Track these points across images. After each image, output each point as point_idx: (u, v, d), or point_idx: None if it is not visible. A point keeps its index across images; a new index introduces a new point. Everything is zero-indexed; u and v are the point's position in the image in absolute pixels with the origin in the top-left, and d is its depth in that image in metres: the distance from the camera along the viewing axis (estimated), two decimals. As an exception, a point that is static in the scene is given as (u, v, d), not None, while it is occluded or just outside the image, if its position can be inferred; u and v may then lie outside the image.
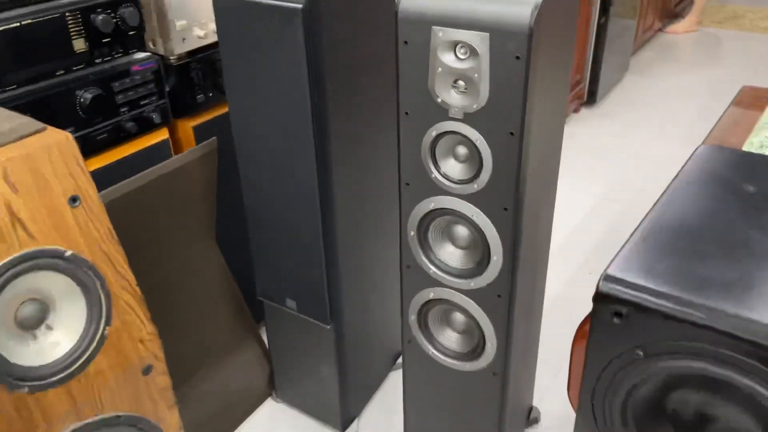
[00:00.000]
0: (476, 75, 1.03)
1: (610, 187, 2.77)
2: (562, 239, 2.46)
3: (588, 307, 2.20)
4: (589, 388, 0.58)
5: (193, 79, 1.53)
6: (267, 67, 1.25)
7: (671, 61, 4.02)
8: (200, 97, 1.55)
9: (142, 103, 1.44)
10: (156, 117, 1.47)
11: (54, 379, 1.00)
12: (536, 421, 1.72)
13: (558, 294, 2.18)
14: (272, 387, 1.81)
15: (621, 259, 0.56)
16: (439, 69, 1.06)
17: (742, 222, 0.58)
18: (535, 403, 1.77)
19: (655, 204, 0.61)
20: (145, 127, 1.46)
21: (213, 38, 1.53)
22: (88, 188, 1.03)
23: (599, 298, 0.54)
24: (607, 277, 0.55)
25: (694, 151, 0.69)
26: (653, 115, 3.36)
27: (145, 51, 1.45)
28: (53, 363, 1.00)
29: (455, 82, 1.07)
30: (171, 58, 1.48)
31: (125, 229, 1.13)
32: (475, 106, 1.06)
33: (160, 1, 1.41)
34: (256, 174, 1.40)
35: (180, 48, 1.47)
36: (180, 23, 1.44)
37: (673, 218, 0.60)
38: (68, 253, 1.00)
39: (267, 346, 1.85)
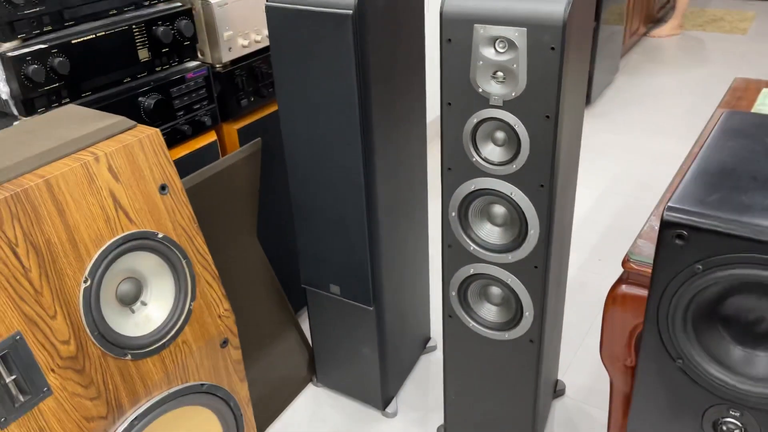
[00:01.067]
0: (515, 66, 1.17)
1: (612, 181, 2.92)
2: (572, 230, 2.60)
3: (602, 289, 2.33)
4: (655, 299, 0.71)
5: (237, 85, 1.65)
6: (317, 69, 1.38)
7: (658, 62, 4.21)
8: (244, 101, 1.68)
9: (195, 107, 1.56)
10: (207, 120, 1.59)
11: (151, 348, 1.11)
12: (562, 392, 1.84)
13: (572, 279, 2.32)
14: (312, 372, 1.92)
15: (677, 195, 0.69)
16: (480, 62, 1.20)
17: (770, 164, 0.72)
18: (560, 376, 1.90)
19: (697, 155, 0.74)
20: (198, 129, 1.59)
21: (255, 47, 1.66)
22: (174, 178, 1.15)
23: (664, 225, 0.67)
24: (669, 208, 0.68)
25: (718, 117, 0.82)
26: (646, 113, 3.54)
27: (196, 60, 1.58)
28: (149, 334, 1.12)
29: (494, 73, 1.20)
30: (218, 66, 1.61)
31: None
32: (513, 94, 1.20)
33: (209, 14, 1.54)
34: (303, 169, 1.53)
35: (226, 57, 1.60)
36: (227, 34, 1.57)
37: (712, 164, 0.74)
38: (160, 235, 1.12)
39: (305, 334, 1.97)
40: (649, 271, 1.23)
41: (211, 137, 1.64)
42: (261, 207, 1.79)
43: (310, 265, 1.67)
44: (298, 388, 1.92)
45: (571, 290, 2.26)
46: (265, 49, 1.71)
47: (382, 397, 1.78)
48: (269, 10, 1.37)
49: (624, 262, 1.26)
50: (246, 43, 1.63)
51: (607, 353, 1.35)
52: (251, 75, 1.69)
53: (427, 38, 1.63)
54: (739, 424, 0.72)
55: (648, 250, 1.25)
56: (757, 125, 0.80)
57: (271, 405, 1.86)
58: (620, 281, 1.30)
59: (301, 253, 1.67)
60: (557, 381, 1.85)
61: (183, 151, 1.58)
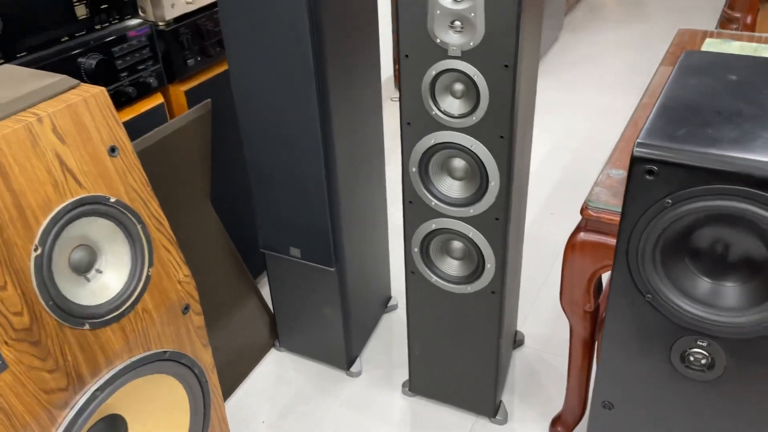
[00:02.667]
0: (473, 14, 1.15)
1: (560, 137, 2.96)
2: (523, 186, 2.64)
3: (555, 242, 2.38)
4: (625, 236, 0.72)
5: (182, 44, 1.58)
6: (267, 20, 1.33)
7: (601, 19, 4.27)
8: (190, 61, 1.61)
9: (139, 68, 1.49)
10: (153, 81, 1.52)
11: (110, 317, 1.07)
12: (521, 343, 1.88)
13: (526, 233, 2.35)
14: (275, 337, 1.91)
15: (645, 132, 0.70)
16: (438, 11, 1.18)
17: (733, 99, 0.73)
18: (518, 327, 1.94)
19: (660, 93, 0.75)
20: (143, 91, 1.52)
21: (200, 4, 1.59)
22: (123, 139, 1.09)
23: (634, 161, 0.67)
24: (638, 144, 0.68)
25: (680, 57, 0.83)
26: (591, 69, 3.59)
27: (138, 17, 1.50)
28: (107, 303, 1.07)
29: (452, 23, 1.18)
30: (161, 24, 1.53)
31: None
32: (471, 44, 1.18)
33: (150, -32, 1.46)
34: (257, 129, 1.49)
35: (169, 14, 1.53)
36: (172, -11, 1.50)
37: (677, 101, 0.74)
38: (112, 199, 1.07)
39: (266, 299, 1.94)
40: (608, 217, 1.25)
41: (157, 99, 1.58)
42: (214, 171, 1.74)
43: (269, 229, 1.64)
44: (261, 353, 1.90)
45: (526, 244, 2.29)
46: (211, 6, 1.64)
47: (346, 358, 1.79)
48: (215, -38, 1.31)
49: (582, 210, 1.28)
50: (190, -1, 1.56)
51: (567, 299, 1.38)
52: (197, 33, 1.62)
53: (378, -8, 1.60)
54: (706, 353, 0.75)
55: (605, 197, 1.27)
56: (715, 63, 0.81)
57: (234, 371, 1.84)
58: (578, 229, 1.32)
59: (258, 216, 1.63)
60: (516, 332, 1.89)
61: (129, 114, 1.51)
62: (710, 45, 1.94)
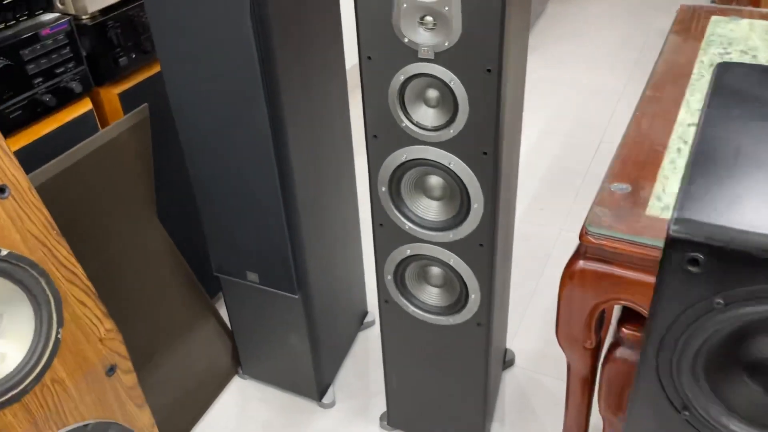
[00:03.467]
0: (446, 8, 0.94)
1: (549, 119, 2.76)
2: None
3: (546, 242, 2.17)
4: (655, 340, 0.53)
5: (111, 40, 1.35)
6: (202, 15, 1.10)
7: (588, -11, 4.02)
8: (123, 59, 1.38)
9: (57, 71, 1.26)
10: (76, 86, 1.30)
11: (6, 397, 0.87)
12: (512, 362, 1.71)
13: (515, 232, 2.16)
14: (237, 363, 1.71)
15: (683, 199, 0.50)
16: (404, 5, 0.96)
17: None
18: (508, 344, 1.76)
19: (696, 133, 0.55)
20: (65, 98, 1.29)
21: (129, -9, 1.36)
22: (17, 175, 0.88)
23: (671, 244, 0.48)
24: (676, 221, 0.49)
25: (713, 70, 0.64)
26: (579, 44, 3.36)
27: (53, 12, 1.26)
28: (4, 379, 0.87)
29: (422, 18, 0.97)
30: (84, 17, 1.30)
31: (58, 214, 0.99)
32: (446, 44, 0.97)
33: (64, -49, 1.22)
34: (200, 139, 1.27)
35: (93, 5, 1.29)
36: (90, -24, 1.26)
37: (720, 146, 0.55)
38: (3, 252, 0.86)
39: (226, 321, 1.75)
40: (612, 244, 1.06)
41: (84, 106, 1.35)
42: (160, 182, 1.53)
43: (221, 252, 1.44)
44: (222, 381, 1.71)
45: (514, 245, 2.10)
46: (144, -6, 1.40)
47: (317, 387, 1.60)
48: (134, -55, 1.08)
49: (581, 235, 1.09)
50: (117, -14, 1.32)
51: (564, 335, 1.20)
52: (129, 26, 1.39)
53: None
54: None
55: (608, 219, 1.08)
56: (761, 81, 0.62)
57: (194, 402, 1.65)
58: (577, 255, 1.13)
59: (209, 238, 1.43)
60: (506, 351, 1.71)
61: (49, 126, 1.29)
62: (716, 24, 1.74)
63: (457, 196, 1.13)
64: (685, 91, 1.43)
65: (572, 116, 2.77)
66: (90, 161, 1.31)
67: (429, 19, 0.96)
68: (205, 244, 1.61)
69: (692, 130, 1.28)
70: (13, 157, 0.87)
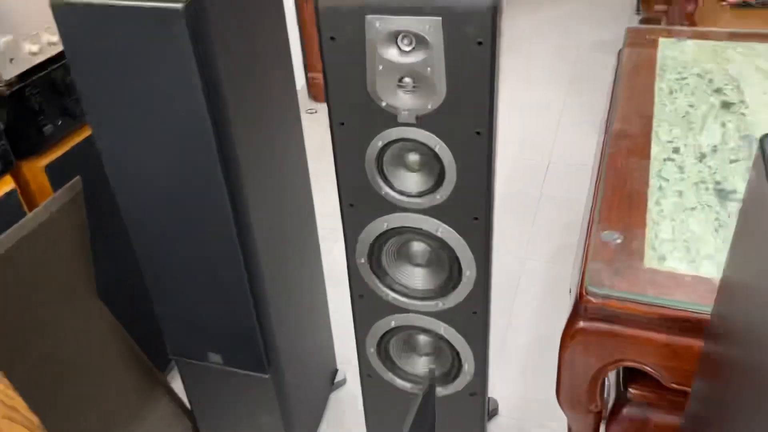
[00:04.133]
0: (429, 69, 0.85)
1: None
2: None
3: (511, 273, 2.09)
4: None
5: (33, 108, 1.19)
6: (142, 81, 0.97)
7: (513, 4, 4.05)
8: (47, 128, 1.22)
9: (-29, 152, 1.09)
10: (-5, 166, 1.13)
11: None
12: (496, 412, 1.63)
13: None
14: (201, 446, 1.56)
15: None
16: (380, 66, 0.86)
17: None
18: (490, 393, 1.68)
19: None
20: (-18, 181, 1.12)
21: (50, 51, 1.20)
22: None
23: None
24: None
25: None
26: (512, 60, 3.36)
27: (-39, 83, 1.09)
28: None
29: (401, 80, 0.87)
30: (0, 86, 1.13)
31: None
32: (430, 106, 0.88)
33: (-31, 14, 1.05)
34: (145, 212, 1.13)
35: (10, 71, 1.13)
36: (3, 40, 1.10)
37: None
38: (-75, 403, 0.70)
39: (183, 400, 1.58)
40: (616, 304, 0.99)
41: (5, 186, 1.18)
42: (99, 257, 1.36)
43: (177, 333, 1.29)
44: (185, 467, 1.55)
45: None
46: (67, 53, 1.24)
47: (292, 465, 1.47)
48: (58, 10, 0.93)
49: (581, 296, 1.02)
50: (36, 48, 1.16)
51: (567, 399, 1.12)
52: (53, 90, 1.23)
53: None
54: None
55: (608, 277, 1.01)
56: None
57: (153, 494, 1.48)
58: (576, 316, 1.05)
59: (161, 319, 1.28)
60: (489, 400, 1.63)
61: (-35, 215, 1.11)
62: (665, 46, 1.73)
63: (445, 262, 1.03)
64: (652, 122, 1.39)
65: (517, 137, 2.74)
66: (19, 250, 1.14)
67: (408, 80, 0.87)
68: (154, 321, 1.45)
69: (669, 165, 1.25)
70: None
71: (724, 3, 2.24)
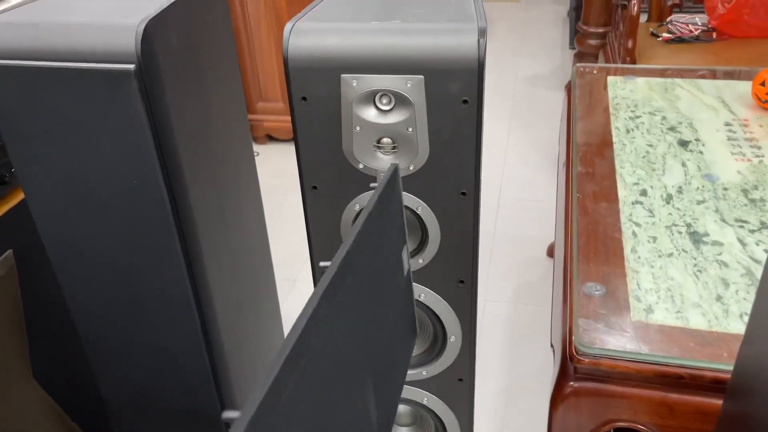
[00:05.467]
0: (410, 129, 0.79)
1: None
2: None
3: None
4: None
5: (-45, 176, 1.06)
6: (85, 145, 0.86)
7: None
8: (-28, 197, 1.09)
9: None
10: None
11: None
12: (471, 468, 1.55)
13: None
14: None
15: None
16: (357, 127, 0.80)
17: None
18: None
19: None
20: None
21: (-25, 113, 1.07)
22: None
23: None
24: None
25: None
26: (455, 96, 3.37)
27: None
28: None
29: (379, 141, 0.81)
30: None
31: None
32: (411, 168, 0.82)
33: None
34: (89, 290, 1.01)
35: (-74, 137, 1.00)
36: None
37: None
38: None
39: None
40: (608, 363, 0.95)
41: (-75, 265, 1.04)
42: (34, 335, 1.22)
43: (126, 417, 1.16)
44: None
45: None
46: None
47: None
48: (-14, 71, 0.82)
49: (570, 356, 0.97)
50: (-43, 109, 1.03)
51: (557, 462, 1.06)
52: (-23, 154, 1.10)
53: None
54: None
55: (599, 335, 0.96)
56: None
57: None
58: (566, 376, 1.00)
59: (107, 403, 1.15)
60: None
61: None
62: (615, 85, 1.74)
63: (427, 329, 0.96)
64: (614, 164, 1.38)
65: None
66: (-60, 338, 1.00)
67: (388, 141, 0.81)
68: (97, 401, 1.32)
69: (639, 208, 1.23)
70: None
71: (659, 39, 2.30)
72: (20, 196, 1.19)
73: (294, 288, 2.10)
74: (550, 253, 2.21)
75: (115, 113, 0.82)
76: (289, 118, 2.86)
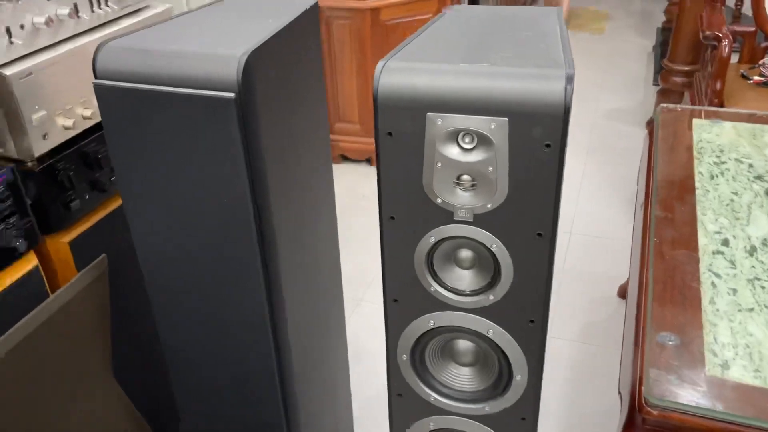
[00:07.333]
0: (491, 168, 0.80)
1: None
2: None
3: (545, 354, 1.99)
4: None
5: (62, 183, 1.15)
6: (182, 163, 0.92)
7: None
8: (75, 203, 1.18)
9: (-4, 230, 1.04)
10: (21, 245, 1.08)
11: None
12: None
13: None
14: None
15: None
16: (439, 164, 0.82)
17: None
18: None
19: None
20: (5, 259, 1.07)
21: (86, 124, 1.17)
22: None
23: None
24: None
25: None
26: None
27: (-9, 159, 1.06)
28: None
29: (459, 177, 0.83)
30: (29, 162, 1.09)
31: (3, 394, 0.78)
32: (489, 206, 0.83)
33: (6, 91, 1.02)
34: (174, 297, 1.07)
35: (41, 147, 1.09)
36: (37, 116, 1.06)
37: None
38: None
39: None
40: (679, 417, 0.93)
41: (28, 263, 1.13)
42: (117, 335, 1.30)
43: (196, 420, 1.21)
44: None
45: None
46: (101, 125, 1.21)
47: None
48: (101, 91, 0.89)
49: (639, 407, 0.95)
50: (70, 123, 1.13)
51: None
52: (84, 164, 1.19)
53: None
54: None
55: (672, 387, 0.94)
56: None
57: None
58: (632, 426, 0.98)
59: (180, 406, 1.20)
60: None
61: (-16, 295, 1.06)
62: (701, 128, 1.70)
63: (492, 363, 0.97)
64: (696, 210, 1.35)
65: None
66: (39, 335, 1.08)
67: (467, 178, 0.83)
68: (169, 398, 1.38)
69: (719, 258, 1.20)
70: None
71: (750, 81, 2.23)
72: (117, 203, 1.27)
73: (359, 307, 2.13)
74: (622, 294, 2.16)
75: (213, 136, 0.87)
76: (364, 139, 2.93)
